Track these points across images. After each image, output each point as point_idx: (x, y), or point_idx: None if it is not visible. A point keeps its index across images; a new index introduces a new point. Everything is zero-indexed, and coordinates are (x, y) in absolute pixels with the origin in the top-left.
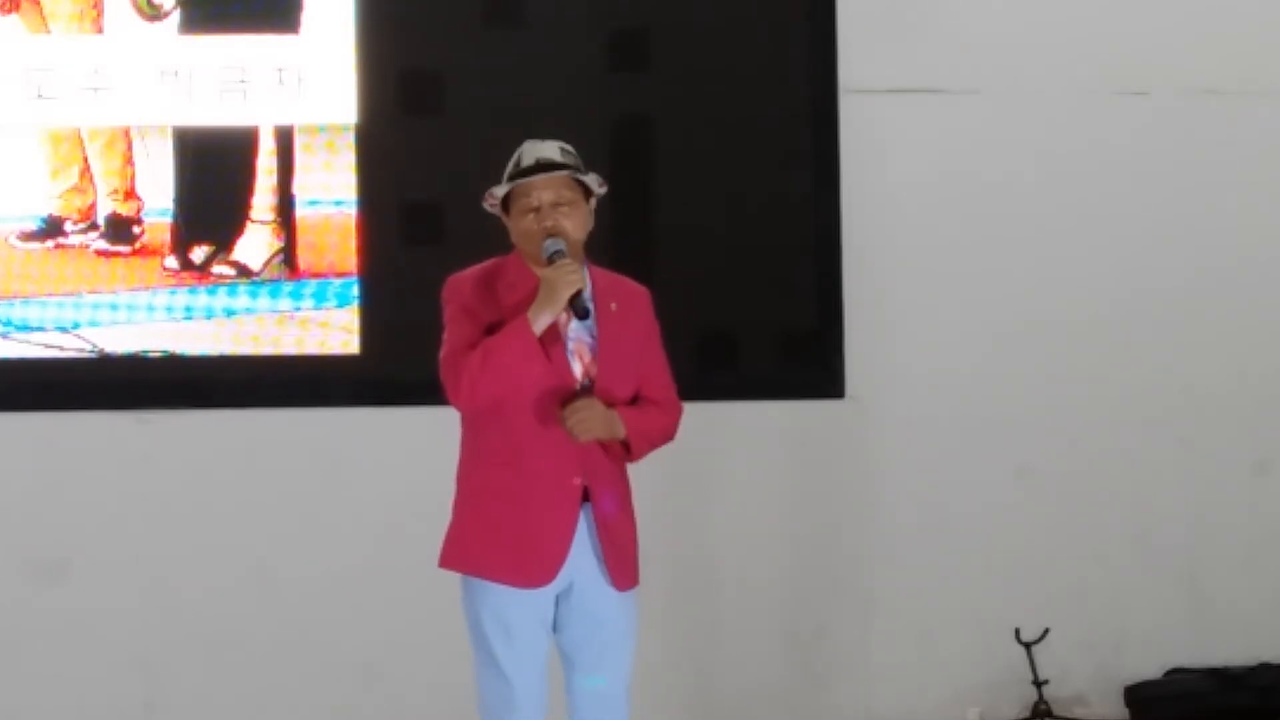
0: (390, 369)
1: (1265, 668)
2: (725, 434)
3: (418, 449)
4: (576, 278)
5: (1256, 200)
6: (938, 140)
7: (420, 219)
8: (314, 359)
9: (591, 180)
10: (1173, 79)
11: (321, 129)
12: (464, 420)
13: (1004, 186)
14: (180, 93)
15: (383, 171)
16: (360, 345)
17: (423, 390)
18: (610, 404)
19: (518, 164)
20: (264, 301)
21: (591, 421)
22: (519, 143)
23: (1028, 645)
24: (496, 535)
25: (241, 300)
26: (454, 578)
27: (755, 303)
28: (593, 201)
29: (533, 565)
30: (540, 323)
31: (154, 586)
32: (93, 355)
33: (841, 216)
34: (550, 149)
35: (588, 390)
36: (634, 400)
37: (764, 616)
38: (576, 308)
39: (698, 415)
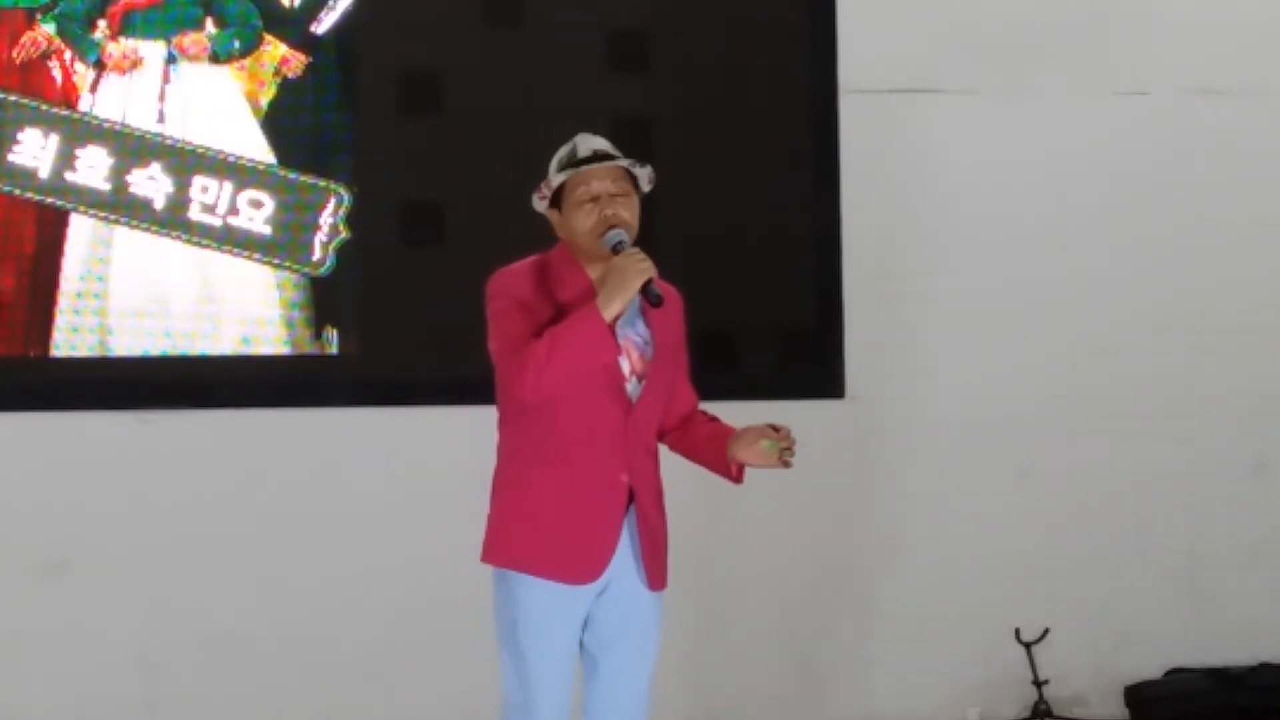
0: (390, 369)
1: (1265, 668)
2: None
3: (417, 449)
4: (648, 265)
5: (1256, 200)
6: (938, 140)
7: (420, 219)
8: (314, 359)
9: (643, 175)
10: (1173, 79)
11: None
12: (506, 418)
13: (1004, 186)
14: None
15: (383, 171)
16: (360, 345)
17: (423, 390)
18: (657, 404)
19: (572, 155)
20: None
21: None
22: (519, 143)
23: (1028, 645)
24: (545, 531)
25: None
26: (454, 577)
27: (755, 303)
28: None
29: (581, 561)
30: (610, 311)
31: (154, 585)
32: (93, 355)
33: (841, 216)
34: (602, 142)
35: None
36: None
37: (764, 616)
38: (649, 295)
39: None
